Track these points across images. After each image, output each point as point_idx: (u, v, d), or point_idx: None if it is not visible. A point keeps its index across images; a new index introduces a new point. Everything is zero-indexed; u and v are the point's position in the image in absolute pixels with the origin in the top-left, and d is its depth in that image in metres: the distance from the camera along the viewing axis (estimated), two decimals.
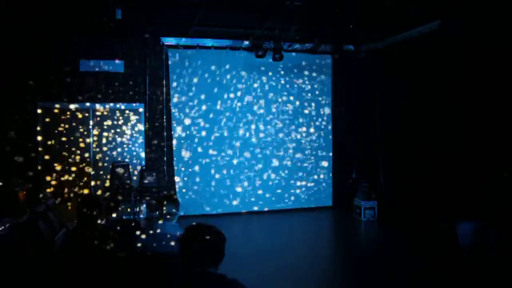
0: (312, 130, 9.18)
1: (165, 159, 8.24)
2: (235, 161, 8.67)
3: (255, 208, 8.76)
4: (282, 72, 8.93)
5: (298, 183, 9.07)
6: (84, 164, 7.87)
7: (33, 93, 7.55)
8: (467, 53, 6.30)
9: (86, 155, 7.90)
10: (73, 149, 7.83)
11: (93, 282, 2.79)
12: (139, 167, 8.11)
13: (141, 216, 7.94)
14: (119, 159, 8.01)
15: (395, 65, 8.06)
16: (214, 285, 1.92)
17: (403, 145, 7.82)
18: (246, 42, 8.28)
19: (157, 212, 3.82)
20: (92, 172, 7.94)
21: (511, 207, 5.29)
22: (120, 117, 8.09)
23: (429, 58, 7.09)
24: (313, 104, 9.18)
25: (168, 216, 3.74)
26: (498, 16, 5.67)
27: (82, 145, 7.88)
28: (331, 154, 9.32)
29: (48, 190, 7.59)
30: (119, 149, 8.08)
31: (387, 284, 4.91)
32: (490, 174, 5.90)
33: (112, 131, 8.04)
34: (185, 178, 8.40)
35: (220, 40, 8.24)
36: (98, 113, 7.98)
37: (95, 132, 7.96)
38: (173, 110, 8.30)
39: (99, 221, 3.22)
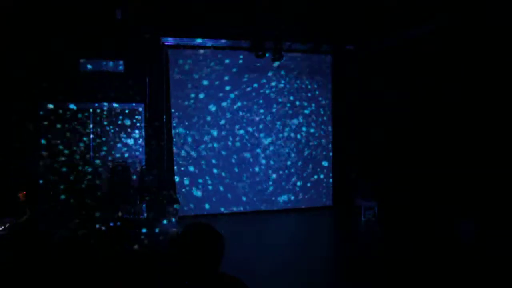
0: (312, 130, 9.19)
1: (165, 158, 8.24)
2: (235, 161, 8.68)
3: (255, 208, 8.76)
4: (282, 72, 8.94)
5: (298, 183, 9.08)
6: (84, 164, 7.87)
7: (33, 93, 7.56)
8: (467, 53, 6.30)
9: (86, 155, 7.90)
10: (73, 149, 7.83)
11: (92, 281, 2.79)
12: (139, 167, 8.11)
13: (141, 216, 7.94)
14: (119, 159, 8.01)
15: (395, 64, 8.06)
16: (214, 283, 1.92)
17: (403, 145, 7.83)
18: (246, 42, 8.28)
19: (157, 212, 3.82)
20: (92, 172, 7.94)
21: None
22: (120, 117, 8.10)
23: (429, 57, 7.09)
24: (313, 104, 9.19)
25: (168, 216, 3.74)
26: (500, 16, 5.68)
27: (82, 144, 7.89)
28: (331, 154, 9.32)
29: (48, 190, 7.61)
30: (119, 149, 8.09)
31: (387, 284, 4.91)
32: (489, 173, 5.90)
33: (112, 131, 8.04)
34: (185, 178, 8.41)
35: (220, 40, 8.24)
36: (98, 113, 7.98)
37: (95, 132, 7.96)
38: (173, 110, 8.30)
39: (99, 221, 3.22)
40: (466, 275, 5.00)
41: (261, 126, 8.84)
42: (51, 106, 7.72)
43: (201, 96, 8.47)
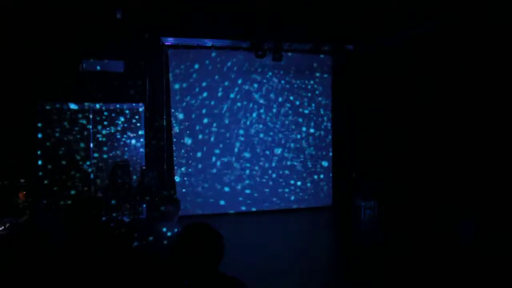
0: (312, 130, 9.19)
1: (165, 159, 8.24)
2: (235, 161, 8.68)
3: (255, 208, 8.76)
4: (282, 72, 8.94)
5: (298, 183, 9.08)
6: (84, 164, 7.87)
7: (33, 93, 7.56)
8: (467, 53, 6.30)
9: (86, 155, 7.91)
10: (73, 149, 7.83)
11: (93, 282, 2.79)
12: (139, 167, 8.11)
13: (141, 216, 7.95)
14: (119, 159, 8.01)
15: (395, 64, 8.06)
16: (214, 283, 1.92)
17: (403, 145, 7.82)
18: (246, 42, 8.28)
19: (157, 212, 3.81)
20: (92, 172, 7.95)
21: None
22: (120, 117, 8.10)
23: (429, 57, 7.09)
24: (313, 104, 9.19)
25: (168, 216, 3.74)
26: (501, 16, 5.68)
27: (82, 145, 7.89)
28: (331, 154, 9.32)
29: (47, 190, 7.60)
30: (119, 149, 8.09)
31: (387, 284, 4.91)
32: (490, 173, 5.90)
33: (112, 130, 8.05)
34: (185, 178, 8.41)
35: (220, 40, 8.23)
36: (98, 113, 7.99)
37: (95, 131, 7.96)
38: (173, 110, 8.30)
39: (99, 221, 3.22)
40: (466, 275, 4.99)
41: (260, 126, 8.84)
42: (50, 106, 7.72)
43: (201, 96, 8.46)
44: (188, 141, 8.42)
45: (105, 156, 8.02)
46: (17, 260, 3.44)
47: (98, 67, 7.89)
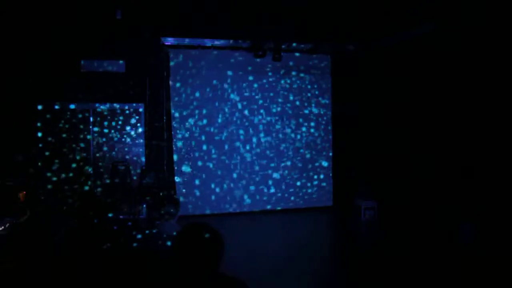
0: (312, 130, 9.18)
1: (165, 158, 8.24)
2: (235, 161, 8.67)
3: (255, 208, 8.76)
4: (282, 72, 8.94)
5: (298, 183, 9.07)
6: (83, 164, 7.87)
7: (34, 93, 7.56)
8: (468, 53, 6.30)
9: (86, 155, 7.90)
10: (73, 149, 7.83)
11: (92, 282, 2.78)
12: (139, 167, 8.11)
13: (141, 216, 7.94)
14: (119, 159, 8.01)
15: (395, 65, 8.06)
16: (213, 283, 1.92)
17: (404, 145, 7.82)
18: (246, 42, 8.27)
19: (157, 212, 3.82)
20: (92, 172, 7.95)
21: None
22: (120, 117, 8.10)
23: (429, 57, 7.09)
24: (313, 104, 9.18)
25: (168, 216, 3.74)
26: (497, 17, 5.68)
27: (82, 144, 7.89)
28: (331, 154, 9.32)
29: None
30: (119, 149, 8.08)
31: (387, 284, 4.91)
32: (490, 174, 5.91)
33: (112, 130, 8.05)
34: (185, 178, 8.40)
35: (220, 40, 8.23)
36: (98, 113, 7.98)
37: (95, 132, 7.96)
38: (173, 110, 8.30)
39: (99, 221, 3.22)
40: (466, 276, 4.99)
41: (260, 126, 8.84)
42: (50, 106, 7.73)
43: (201, 95, 8.46)
44: (188, 140, 8.39)
45: (105, 156, 8.01)
46: (17, 260, 3.44)
47: (99, 67, 7.89)
